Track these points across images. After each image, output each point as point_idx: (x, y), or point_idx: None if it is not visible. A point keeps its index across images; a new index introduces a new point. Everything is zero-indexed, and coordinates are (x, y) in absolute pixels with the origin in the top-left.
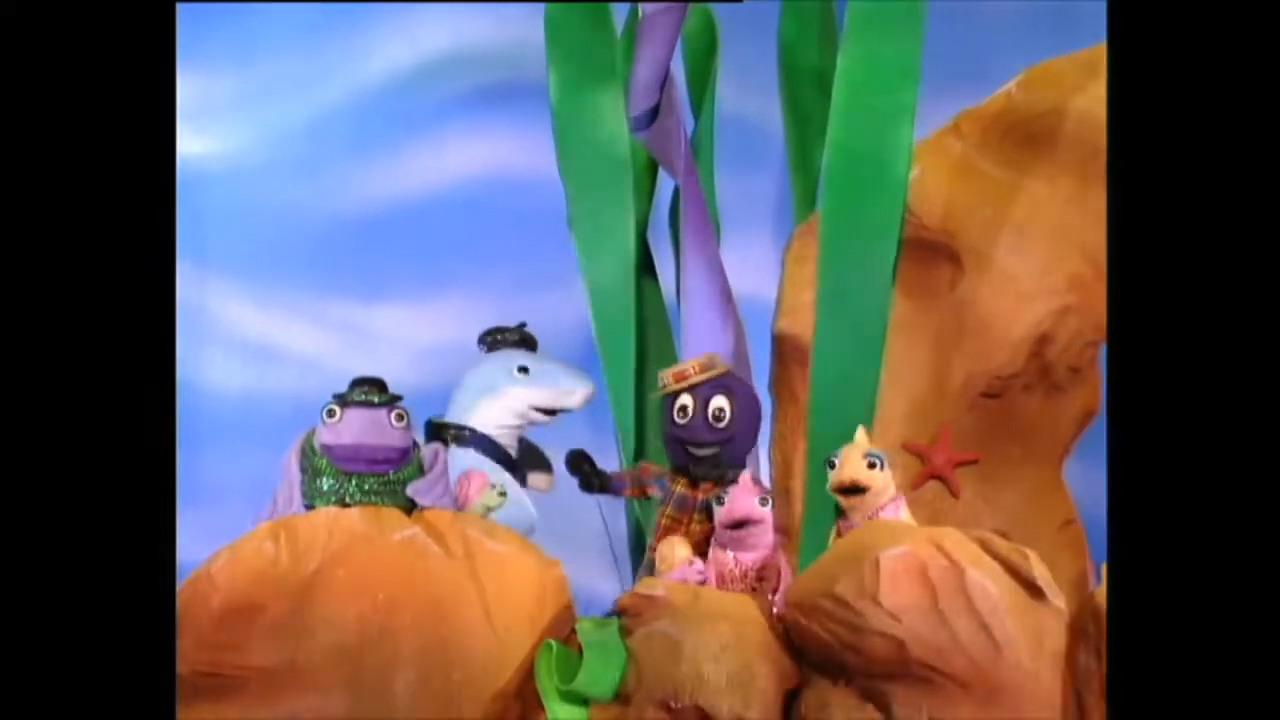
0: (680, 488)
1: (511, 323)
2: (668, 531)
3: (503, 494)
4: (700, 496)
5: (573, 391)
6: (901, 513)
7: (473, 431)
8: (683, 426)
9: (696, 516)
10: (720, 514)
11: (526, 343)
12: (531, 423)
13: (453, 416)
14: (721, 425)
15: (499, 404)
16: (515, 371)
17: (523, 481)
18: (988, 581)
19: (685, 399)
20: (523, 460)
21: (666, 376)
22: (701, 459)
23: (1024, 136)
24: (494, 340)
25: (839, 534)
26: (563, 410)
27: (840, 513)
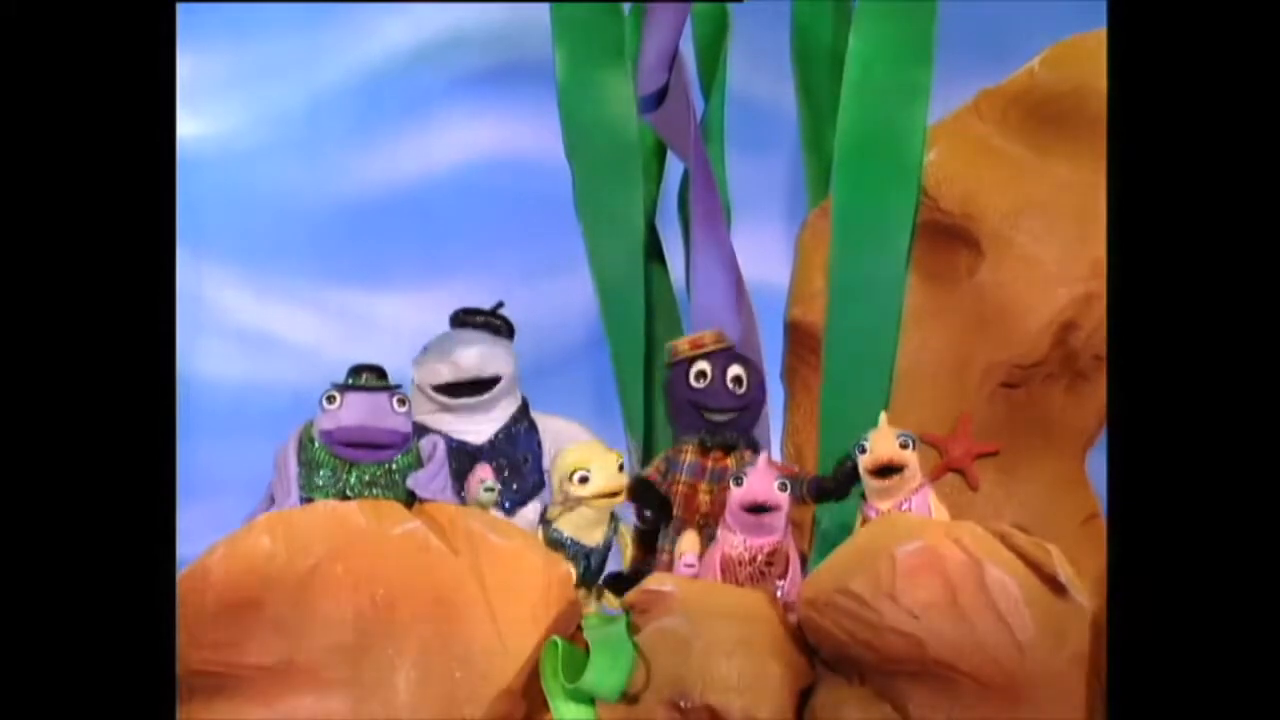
0: (690, 455)
1: (519, 309)
2: (686, 499)
3: (490, 489)
4: (711, 465)
5: (445, 358)
6: (930, 500)
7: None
8: (702, 390)
9: (705, 485)
10: (736, 496)
11: (489, 325)
12: (449, 409)
13: None
14: (740, 393)
15: (414, 390)
16: (420, 355)
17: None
18: (1008, 577)
19: (703, 364)
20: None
21: (681, 344)
22: (718, 425)
23: (1047, 116)
24: (461, 321)
25: (865, 520)
26: (452, 385)
27: (863, 498)
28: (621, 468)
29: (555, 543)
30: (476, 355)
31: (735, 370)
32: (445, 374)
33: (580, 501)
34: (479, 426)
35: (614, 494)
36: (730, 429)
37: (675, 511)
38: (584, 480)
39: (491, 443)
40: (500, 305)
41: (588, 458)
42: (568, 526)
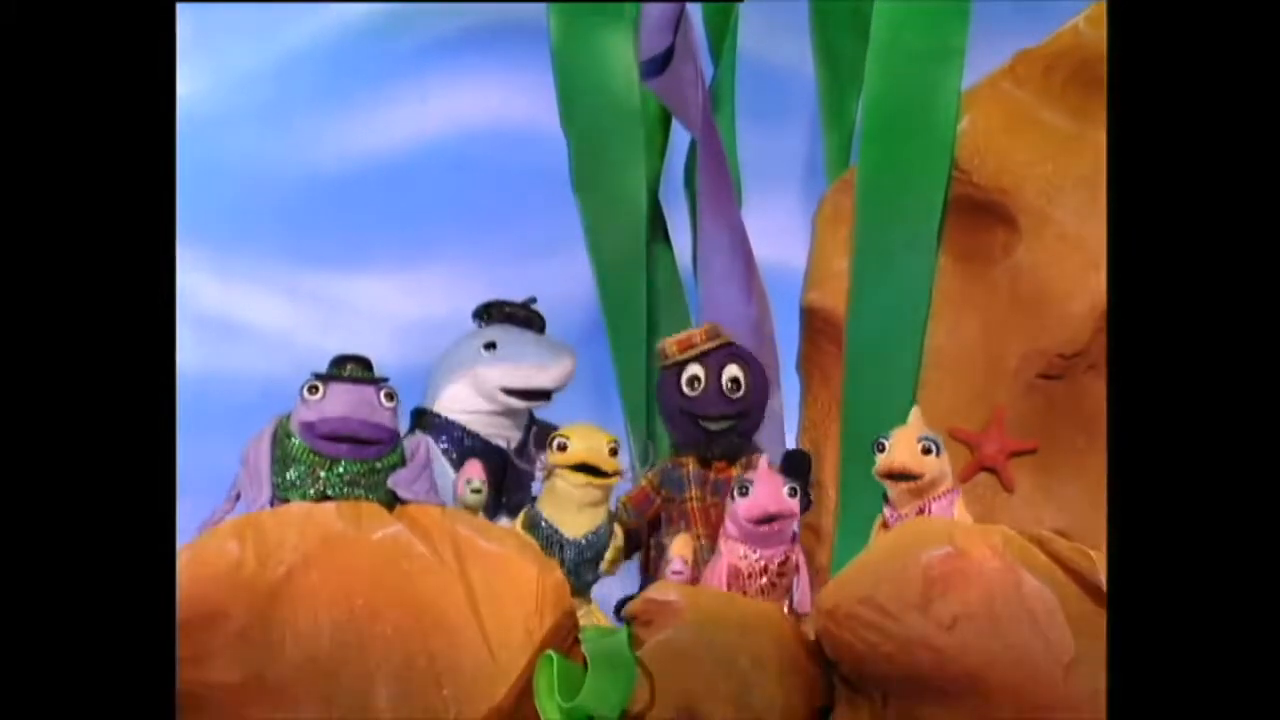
0: (693, 467)
1: (511, 295)
2: (703, 514)
3: (476, 491)
4: (713, 476)
5: (544, 368)
6: (955, 509)
7: (437, 416)
8: (694, 399)
9: (713, 499)
10: (743, 508)
11: (529, 322)
12: (509, 410)
13: (425, 400)
14: (737, 396)
15: (465, 386)
16: (482, 349)
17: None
18: (1046, 587)
19: (695, 369)
20: (534, 443)
21: (670, 346)
22: (715, 434)
23: (1091, 80)
24: (489, 315)
25: (884, 525)
26: (538, 391)
27: (886, 501)
28: (614, 452)
29: (533, 523)
30: (564, 373)
31: (732, 371)
32: (539, 379)
33: (554, 471)
34: (510, 433)
35: (597, 472)
36: (729, 438)
37: (696, 528)
38: (562, 448)
39: (519, 449)
40: (532, 300)
41: (573, 428)
42: (546, 506)
